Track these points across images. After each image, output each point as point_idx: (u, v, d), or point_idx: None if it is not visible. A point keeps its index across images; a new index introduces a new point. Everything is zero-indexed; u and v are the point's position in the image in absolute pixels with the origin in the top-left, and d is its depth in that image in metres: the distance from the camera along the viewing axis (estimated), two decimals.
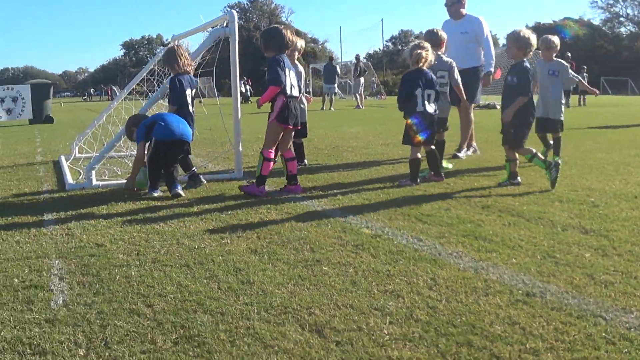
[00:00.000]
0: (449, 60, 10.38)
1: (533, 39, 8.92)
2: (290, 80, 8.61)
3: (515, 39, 8.88)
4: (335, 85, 39.56)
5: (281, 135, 8.75)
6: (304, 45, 11.36)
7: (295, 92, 8.74)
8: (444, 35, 10.60)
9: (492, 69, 12.15)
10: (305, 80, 28.47)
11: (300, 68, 11.06)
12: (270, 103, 8.72)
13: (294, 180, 8.90)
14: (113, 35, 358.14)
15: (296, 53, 10.67)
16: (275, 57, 8.52)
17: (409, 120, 9.06)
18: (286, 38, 8.63)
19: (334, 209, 7.60)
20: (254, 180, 8.79)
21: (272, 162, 8.71)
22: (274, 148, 8.74)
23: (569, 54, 35.08)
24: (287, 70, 8.57)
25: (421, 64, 9.06)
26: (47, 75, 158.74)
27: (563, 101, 10.66)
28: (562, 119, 10.56)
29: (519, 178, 8.95)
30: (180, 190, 8.60)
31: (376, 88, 63.39)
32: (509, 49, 9.05)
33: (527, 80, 8.73)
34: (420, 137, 9.04)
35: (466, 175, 9.82)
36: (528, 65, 8.88)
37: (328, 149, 14.13)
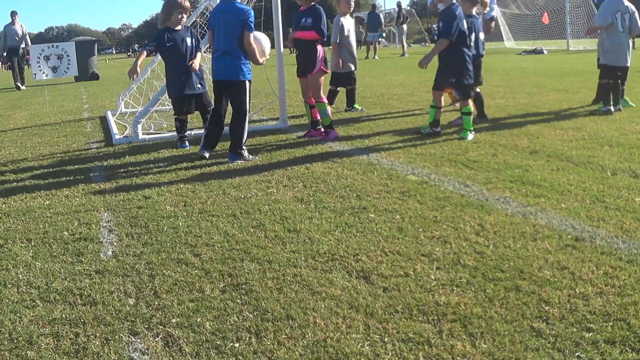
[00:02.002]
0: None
1: None
2: None
3: None
4: (379, 33, 39.18)
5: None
6: None
7: None
8: None
9: (494, 14, 11.85)
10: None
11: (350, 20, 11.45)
12: (297, 54, 9.20)
13: (318, 125, 9.23)
14: None
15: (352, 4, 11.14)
16: (318, 6, 8.59)
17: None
18: None
19: (379, 156, 7.56)
20: (314, 128, 9.19)
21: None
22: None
23: None
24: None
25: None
26: (91, 33, 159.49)
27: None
28: (623, 65, 10.10)
29: (439, 127, 8.93)
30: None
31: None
32: None
33: (451, 23, 8.40)
34: None
35: (513, 121, 9.68)
36: (457, 11, 8.52)
37: (373, 97, 14.02)
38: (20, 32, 22.85)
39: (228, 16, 7.76)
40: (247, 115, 7.96)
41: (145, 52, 9.34)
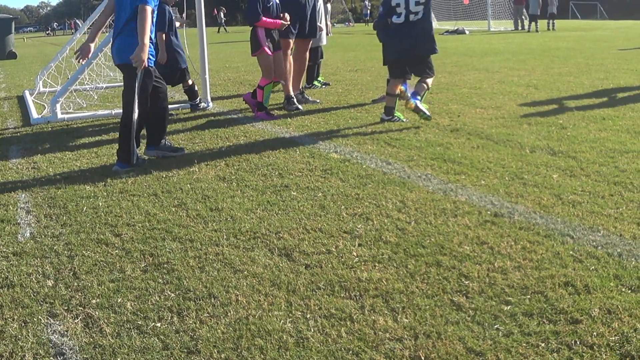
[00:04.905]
0: None
1: None
2: None
3: None
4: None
5: None
6: None
7: None
8: None
9: None
10: None
11: None
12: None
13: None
14: None
15: None
16: None
17: None
18: None
19: (302, 135, 7.56)
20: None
21: None
22: None
23: None
24: None
25: None
26: (8, 11, 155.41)
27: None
28: None
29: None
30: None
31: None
32: None
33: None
34: None
35: (435, 100, 9.78)
36: None
37: None
38: None
39: None
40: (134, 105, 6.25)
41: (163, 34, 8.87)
